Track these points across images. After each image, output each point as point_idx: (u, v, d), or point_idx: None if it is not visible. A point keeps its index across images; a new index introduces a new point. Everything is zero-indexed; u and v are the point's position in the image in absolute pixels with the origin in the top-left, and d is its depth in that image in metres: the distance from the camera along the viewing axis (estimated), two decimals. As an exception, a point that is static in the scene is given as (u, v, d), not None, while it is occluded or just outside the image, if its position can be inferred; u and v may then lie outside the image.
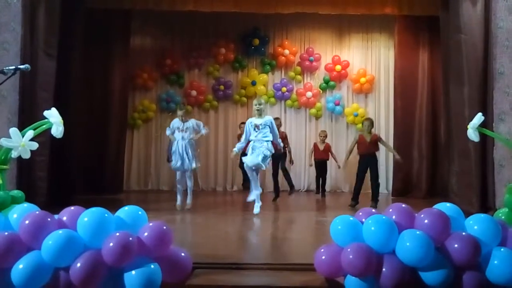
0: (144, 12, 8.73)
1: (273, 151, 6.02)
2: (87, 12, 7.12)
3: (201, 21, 9.27)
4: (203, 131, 6.44)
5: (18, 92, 5.75)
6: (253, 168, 5.86)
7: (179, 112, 6.45)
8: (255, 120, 5.96)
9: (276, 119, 7.96)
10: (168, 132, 6.50)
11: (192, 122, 6.38)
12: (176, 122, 6.40)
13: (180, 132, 6.30)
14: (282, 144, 6.28)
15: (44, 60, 6.03)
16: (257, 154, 5.77)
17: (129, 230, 2.72)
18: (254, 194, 5.97)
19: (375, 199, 6.77)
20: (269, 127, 5.91)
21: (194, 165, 6.29)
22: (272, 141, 5.94)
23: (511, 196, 3.91)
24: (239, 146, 6.11)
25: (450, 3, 6.43)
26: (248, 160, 5.81)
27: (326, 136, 8.72)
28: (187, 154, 6.22)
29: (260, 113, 5.94)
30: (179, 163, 6.24)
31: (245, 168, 6.03)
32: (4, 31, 5.72)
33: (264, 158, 5.80)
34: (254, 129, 5.89)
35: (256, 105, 6.00)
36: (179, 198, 6.35)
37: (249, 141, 5.98)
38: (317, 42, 9.83)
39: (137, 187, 9.52)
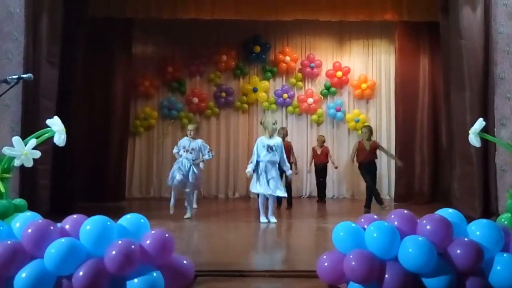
0: (146, 20, 8.78)
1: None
2: (89, 20, 7.16)
3: (203, 28, 9.33)
4: (206, 157, 6.30)
5: (21, 101, 5.78)
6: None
7: (191, 126, 6.39)
8: (267, 141, 5.92)
9: (282, 128, 7.98)
10: (175, 150, 6.46)
11: (198, 143, 6.27)
12: (184, 141, 6.34)
13: (186, 152, 6.23)
14: (288, 166, 6.17)
15: (47, 69, 6.06)
16: (275, 184, 5.81)
17: (132, 238, 2.72)
18: (271, 213, 5.92)
19: (368, 205, 6.82)
20: (280, 149, 5.94)
21: (192, 178, 6.19)
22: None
23: (514, 201, 3.90)
24: (252, 167, 5.92)
25: (450, 9, 6.45)
26: (262, 190, 5.80)
27: (324, 141, 8.71)
28: (189, 173, 6.15)
29: (273, 134, 5.98)
30: (179, 179, 6.16)
31: (258, 192, 5.95)
32: (7, 40, 5.76)
33: (280, 187, 5.89)
34: (267, 150, 5.86)
35: (274, 124, 6.02)
36: (172, 200, 6.32)
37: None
38: (318, 49, 9.88)
39: (139, 194, 9.53)
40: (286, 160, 6.06)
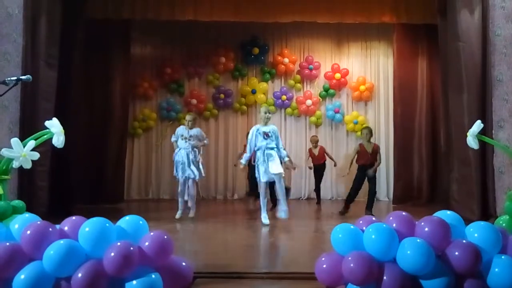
0: (144, 22, 8.79)
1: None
2: (87, 22, 7.16)
3: (201, 30, 9.34)
4: (206, 141, 6.53)
5: (19, 102, 5.78)
6: (276, 178, 5.75)
7: (188, 117, 6.45)
8: (262, 128, 5.92)
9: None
10: (173, 138, 6.48)
11: (197, 131, 6.39)
12: (181, 130, 6.40)
13: (184, 139, 6.28)
14: (285, 153, 6.04)
15: (45, 70, 6.06)
16: (277, 164, 5.71)
17: (130, 240, 2.72)
18: (283, 211, 5.79)
19: (370, 208, 6.79)
20: (276, 135, 5.93)
21: (197, 174, 6.24)
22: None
23: (512, 203, 3.91)
24: (246, 157, 5.98)
25: (448, 11, 6.47)
26: (274, 170, 5.64)
27: (317, 141, 8.73)
28: (190, 162, 6.20)
29: (267, 121, 5.97)
30: (181, 171, 6.23)
31: (262, 181, 5.84)
32: (5, 42, 5.77)
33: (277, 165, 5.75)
34: (263, 137, 5.85)
35: (266, 113, 6.00)
36: (179, 211, 6.27)
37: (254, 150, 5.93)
38: (316, 51, 9.90)
39: (138, 196, 9.53)
40: (282, 146, 6.00)
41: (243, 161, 6.03)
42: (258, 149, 5.87)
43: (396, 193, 8.66)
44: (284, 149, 6.04)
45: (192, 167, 6.22)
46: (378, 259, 2.71)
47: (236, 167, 8.22)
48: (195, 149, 6.32)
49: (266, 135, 5.86)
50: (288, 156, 6.03)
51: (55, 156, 5.90)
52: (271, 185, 6.48)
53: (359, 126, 9.39)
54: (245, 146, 8.79)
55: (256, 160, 5.91)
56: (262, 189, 5.94)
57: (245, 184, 9.42)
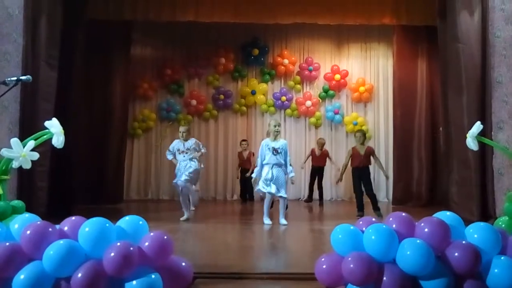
0: (145, 23, 8.80)
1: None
2: (88, 23, 7.15)
3: (201, 31, 9.35)
4: (203, 150, 6.46)
5: (19, 102, 5.78)
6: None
7: (182, 128, 6.40)
8: (272, 143, 5.89)
9: (244, 140, 8.33)
10: (169, 156, 6.44)
11: (192, 142, 6.33)
12: (176, 144, 6.34)
13: (182, 153, 6.24)
14: (291, 168, 6.05)
15: (45, 71, 6.06)
16: (280, 186, 5.81)
17: (130, 240, 2.72)
18: (283, 220, 5.91)
19: (376, 207, 6.76)
20: (285, 151, 5.91)
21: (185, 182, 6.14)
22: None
23: (511, 204, 3.92)
24: (257, 171, 5.98)
25: (448, 13, 6.48)
26: (279, 193, 5.82)
27: (323, 144, 8.75)
28: (189, 173, 6.15)
29: (277, 135, 5.94)
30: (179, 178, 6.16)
31: (268, 194, 5.92)
32: (6, 42, 5.77)
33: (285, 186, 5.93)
34: (273, 153, 5.84)
35: (275, 126, 5.96)
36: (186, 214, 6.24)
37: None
38: (316, 52, 9.91)
39: (137, 196, 9.52)
40: (288, 163, 6.01)
41: (254, 175, 6.05)
42: (266, 164, 5.88)
43: (395, 194, 8.67)
44: (290, 165, 6.02)
45: (187, 175, 6.11)
46: (378, 259, 2.71)
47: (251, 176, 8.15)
48: (194, 159, 6.25)
49: (275, 151, 5.85)
50: (292, 172, 6.04)
51: (54, 156, 5.90)
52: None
53: (359, 127, 9.39)
54: (239, 154, 8.92)
55: (263, 174, 5.88)
56: (267, 200, 6.00)
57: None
